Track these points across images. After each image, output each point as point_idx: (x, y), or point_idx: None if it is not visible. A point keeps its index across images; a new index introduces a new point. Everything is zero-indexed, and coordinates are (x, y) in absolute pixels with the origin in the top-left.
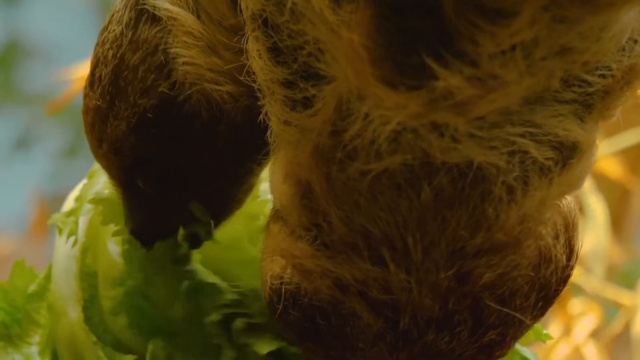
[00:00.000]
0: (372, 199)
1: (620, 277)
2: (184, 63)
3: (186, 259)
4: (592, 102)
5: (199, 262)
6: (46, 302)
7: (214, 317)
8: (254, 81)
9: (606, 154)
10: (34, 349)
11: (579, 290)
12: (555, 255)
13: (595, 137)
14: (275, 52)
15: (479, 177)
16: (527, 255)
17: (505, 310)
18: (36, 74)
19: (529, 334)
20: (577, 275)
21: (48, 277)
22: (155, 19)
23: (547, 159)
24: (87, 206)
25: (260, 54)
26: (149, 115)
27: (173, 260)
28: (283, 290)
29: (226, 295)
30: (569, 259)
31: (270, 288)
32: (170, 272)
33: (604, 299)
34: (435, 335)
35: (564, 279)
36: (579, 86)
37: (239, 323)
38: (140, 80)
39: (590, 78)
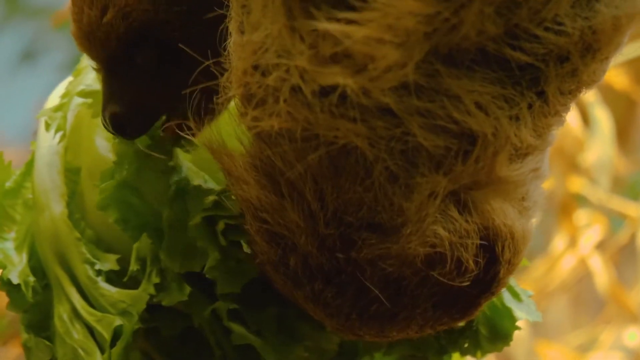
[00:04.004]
0: (281, 142)
1: (626, 188)
2: None
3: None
4: (545, 69)
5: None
6: (22, 199)
7: (196, 219)
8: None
9: (612, 65)
10: (9, 245)
11: (584, 202)
12: (455, 257)
13: (536, 123)
14: None
15: (359, 158)
16: (410, 248)
17: (387, 292)
18: None
19: None
20: (582, 187)
21: (24, 174)
22: None
23: (437, 146)
24: (75, 101)
25: None
26: None
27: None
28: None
29: (209, 197)
30: (487, 267)
31: None
32: (160, 168)
33: (610, 210)
34: (323, 286)
35: (481, 285)
36: (528, 41)
37: (221, 224)
38: None
39: (539, 32)
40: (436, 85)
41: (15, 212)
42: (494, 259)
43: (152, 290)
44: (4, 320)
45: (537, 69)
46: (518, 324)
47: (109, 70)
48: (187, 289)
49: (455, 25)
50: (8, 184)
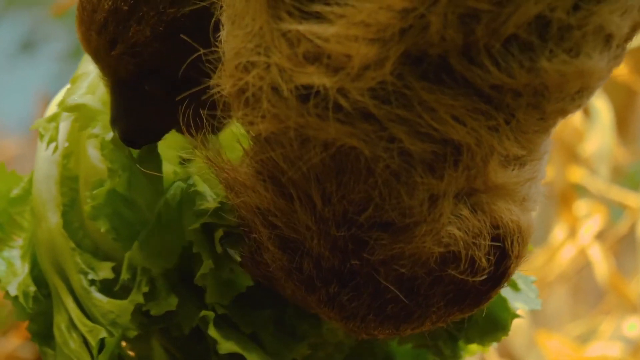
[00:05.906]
0: (280, 144)
1: (626, 178)
2: None
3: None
4: (502, 98)
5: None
6: (30, 205)
7: (196, 224)
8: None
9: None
10: (15, 252)
11: (584, 192)
12: (469, 256)
13: (520, 142)
14: None
15: (360, 157)
16: (425, 248)
17: (403, 292)
18: None
19: None
20: (582, 177)
21: (32, 181)
22: None
23: (426, 151)
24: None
25: None
26: (179, 24)
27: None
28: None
29: (210, 204)
30: (498, 263)
31: None
32: (152, 177)
33: (609, 200)
34: (338, 289)
35: (492, 280)
36: (481, 69)
37: (219, 232)
38: None
39: (487, 63)
40: (412, 97)
41: (23, 219)
42: (504, 255)
43: (140, 300)
44: (4, 310)
45: (496, 96)
46: (519, 312)
47: (118, 88)
48: (175, 300)
49: (428, 23)
50: (16, 192)
